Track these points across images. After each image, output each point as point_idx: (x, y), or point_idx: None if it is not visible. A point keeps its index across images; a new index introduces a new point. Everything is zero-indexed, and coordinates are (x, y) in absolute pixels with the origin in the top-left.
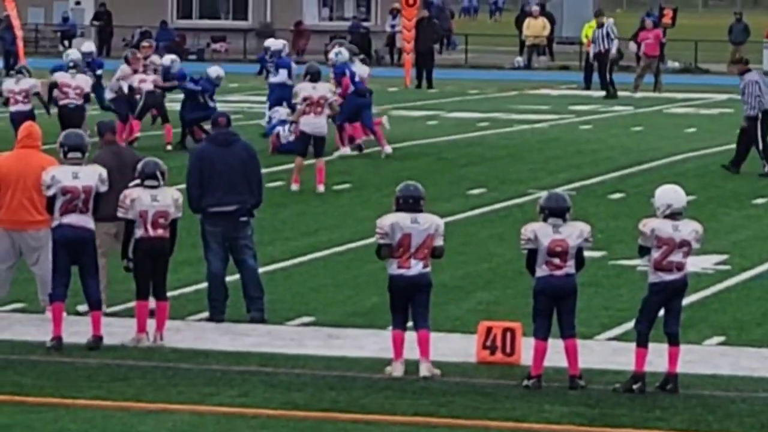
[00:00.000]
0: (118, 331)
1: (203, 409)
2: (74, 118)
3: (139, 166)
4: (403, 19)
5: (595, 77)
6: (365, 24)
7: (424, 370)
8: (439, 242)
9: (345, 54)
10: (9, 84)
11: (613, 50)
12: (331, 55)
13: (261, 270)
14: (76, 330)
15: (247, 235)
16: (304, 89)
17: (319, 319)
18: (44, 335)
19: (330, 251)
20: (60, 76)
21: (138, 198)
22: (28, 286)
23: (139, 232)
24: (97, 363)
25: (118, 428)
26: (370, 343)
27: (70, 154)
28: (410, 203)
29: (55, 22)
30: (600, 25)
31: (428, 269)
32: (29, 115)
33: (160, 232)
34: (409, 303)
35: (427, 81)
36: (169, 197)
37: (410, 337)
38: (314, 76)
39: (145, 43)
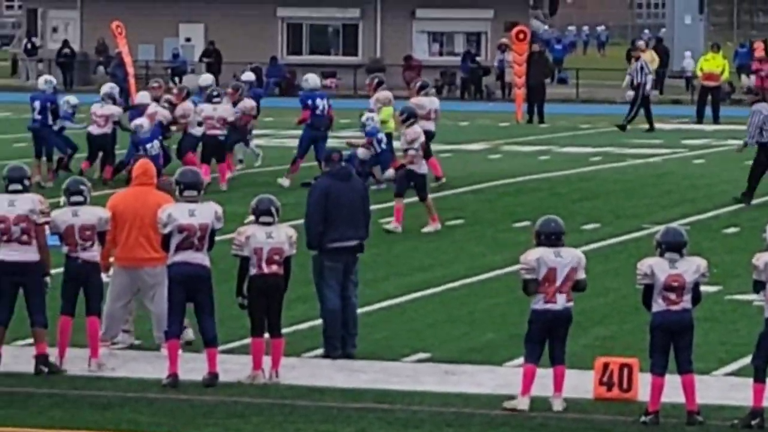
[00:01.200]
0: (234, 368)
1: None
2: (219, 147)
3: (253, 202)
4: (514, 53)
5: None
6: (476, 59)
7: (558, 405)
8: (581, 275)
9: (315, 80)
10: (94, 107)
11: (648, 86)
12: (303, 83)
13: (376, 306)
14: (192, 367)
15: (356, 270)
16: (420, 134)
17: (435, 356)
18: (160, 372)
19: (444, 287)
20: (203, 109)
21: (253, 235)
22: (142, 323)
23: (253, 270)
24: (213, 400)
25: None
26: (486, 379)
27: (186, 192)
28: (553, 239)
29: (165, 59)
30: (636, 59)
31: (571, 303)
32: (103, 138)
33: (274, 268)
34: (546, 337)
35: (539, 116)
36: (284, 234)
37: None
38: (416, 119)
39: (154, 84)
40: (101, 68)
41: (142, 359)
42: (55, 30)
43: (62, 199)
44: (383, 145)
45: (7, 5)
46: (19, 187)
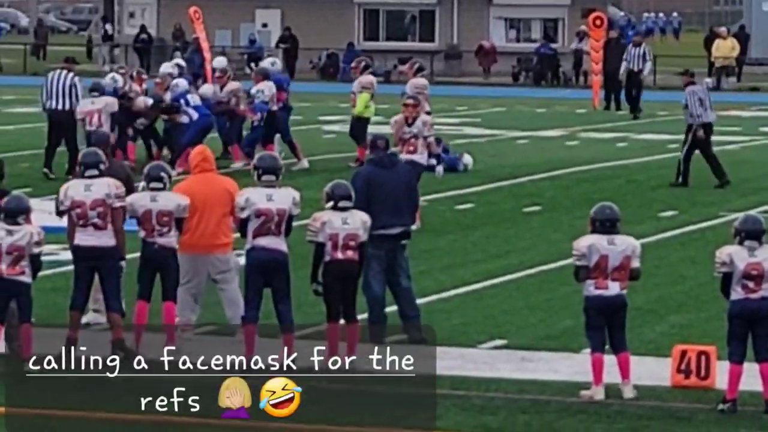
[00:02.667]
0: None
1: None
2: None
3: (328, 188)
4: (591, 40)
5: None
6: (552, 45)
7: (629, 392)
8: (635, 264)
9: (278, 64)
10: None
11: (646, 72)
12: (265, 64)
13: (453, 292)
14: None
15: (405, 257)
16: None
17: (512, 342)
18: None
19: (522, 274)
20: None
21: (329, 221)
22: (218, 308)
23: (328, 255)
24: None
25: None
26: (563, 366)
27: (264, 177)
28: (607, 226)
29: (242, 44)
30: (637, 45)
31: (625, 291)
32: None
33: (349, 254)
34: (605, 324)
35: (616, 102)
36: (359, 220)
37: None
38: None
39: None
40: (178, 54)
41: (220, 344)
42: (132, 15)
43: (141, 184)
44: (260, 123)
45: None
46: (95, 172)
